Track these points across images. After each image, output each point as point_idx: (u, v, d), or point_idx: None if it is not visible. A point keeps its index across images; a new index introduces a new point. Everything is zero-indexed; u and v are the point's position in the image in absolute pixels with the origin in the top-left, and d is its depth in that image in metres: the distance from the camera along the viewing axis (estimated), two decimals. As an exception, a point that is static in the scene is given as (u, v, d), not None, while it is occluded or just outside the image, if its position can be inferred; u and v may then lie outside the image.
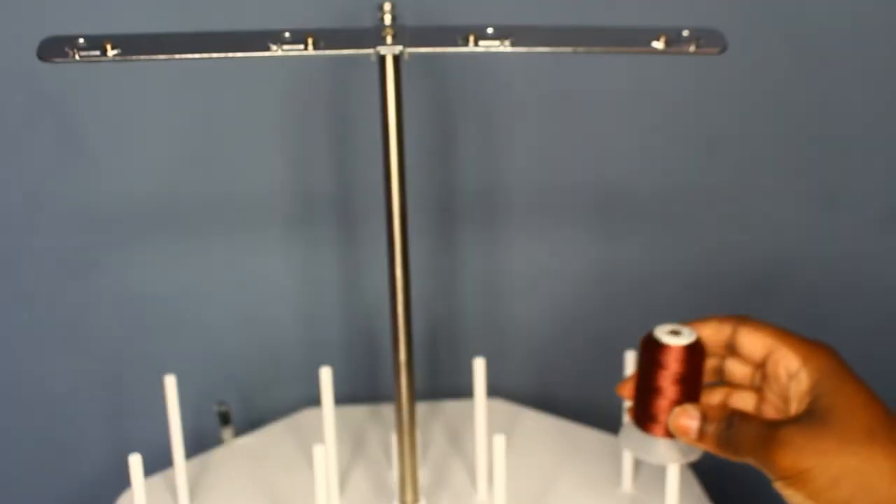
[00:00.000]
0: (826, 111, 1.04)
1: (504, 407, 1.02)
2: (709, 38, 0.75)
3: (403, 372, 0.85)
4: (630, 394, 0.79)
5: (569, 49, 0.76)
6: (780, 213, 1.07)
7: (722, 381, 0.81)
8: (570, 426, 1.00)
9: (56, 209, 1.02)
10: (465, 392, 1.07)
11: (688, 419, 0.76)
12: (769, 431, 0.71)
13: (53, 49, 0.74)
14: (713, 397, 0.79)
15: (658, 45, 0.75)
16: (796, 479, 0.70)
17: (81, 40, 0.74)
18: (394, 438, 0.88)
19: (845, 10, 1.00)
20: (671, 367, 0.76)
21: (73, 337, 1.07)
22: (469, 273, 1.08)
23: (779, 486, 0.71)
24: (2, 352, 1.07)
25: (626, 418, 0.80)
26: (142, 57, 0.74)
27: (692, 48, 0.74)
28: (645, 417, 0.77)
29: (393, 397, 0.86)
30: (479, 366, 0.90)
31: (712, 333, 0.78)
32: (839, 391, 0.72)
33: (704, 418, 0.75)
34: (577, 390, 1.13)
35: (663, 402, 0.77)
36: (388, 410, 1.03)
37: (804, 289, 1.11)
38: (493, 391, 1.06)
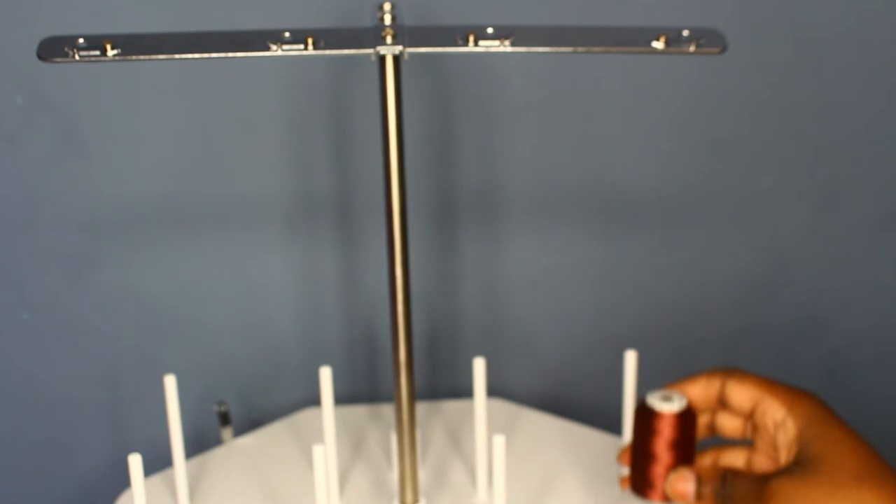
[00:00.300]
0: (826, 111, 1.04)
1: (504, 407, 1.02)
2: (709, 38, 0.75)
3: (403, 372, 0.85)
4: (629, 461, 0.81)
5: (569, 49, 0.76)
6: (780, 213, 1.07)
7: (715, 436, 0.83)
8: (570, 426, 1.00)
9: (56, 209, 1.02)
10: (465, 392, 1.07)
11: (684, 483, 0.78)
12: (761, 485, 0.74)
13: (53, 49, 0.74)
14: (704, 459, 0.82)
15: (658, 45, 0.75)
16: None
17: (81, 40, 0.74)
18: (394, 438, 0.88)
19: (845, 10, 1.00)
20: (665, 434, 0.79)
21: (72, 337, 1.07)
22: (469, 273, 1.08)
23: None
24: (2, 352, 1.07)
25: (623, 487, 0.82)
26: (141, 57, 0.74)
27: (692, 48, 0.74)
28: (642, 484, 0.80)
29: (393, 397, 0.86)
30: (479, 366, 0.90)
31: (703, 390, 0.80)
32: (825, 438, 0.75)
33: (699, 480, 0.78)
34: (576, 390, 1.13)
35: (659, 468, 0.79)
36: (388, 410, 1.03)
37: (804, 289, 1.11)
38: (493, 391, 1.06)
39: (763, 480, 0.74)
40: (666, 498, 0.80)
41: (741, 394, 0.79)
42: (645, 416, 0.80)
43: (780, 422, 0.77)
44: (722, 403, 0.81)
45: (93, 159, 1.01)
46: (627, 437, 0.92)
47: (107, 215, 1.03)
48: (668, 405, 0.79)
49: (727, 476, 0.77)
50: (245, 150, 1.02)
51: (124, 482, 0.89)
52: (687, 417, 0.79)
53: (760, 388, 0.79)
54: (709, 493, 0.77)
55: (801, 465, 0.74)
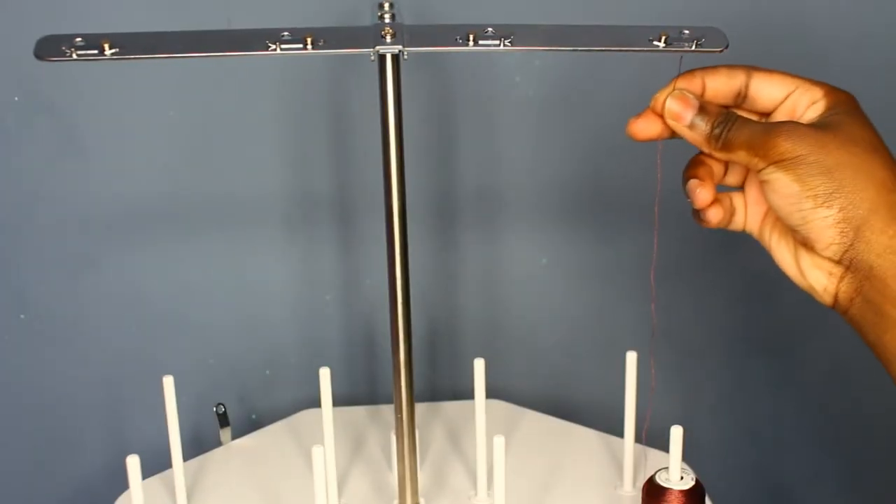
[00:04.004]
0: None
1: (504, 407, 1.02)
2: (709, 38, 0.75)
3: (403, 372, 0.84)
4: None
5: (569, 49, 0.76)
6: (780, 212, 1.07)
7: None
8: (570, 426, 1.00)
9: (54, 209, 1.02)
10: (465, 393, 1.07)
11: (683, 105, 0.74)
12: (771, 126, 0.71)
13: (51, 48, 0.73)
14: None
15: (658, 44, 0.75)
16: (789, 162, 0.70)
17: (79, 39, 0.73)
18: (393, 439, 0.88)
19: (846, 9, 1.00)
20: None
21: (71, 337, 1.07)
22: (469, 273, 1.08)
23: (767, 172, 0.71)
24: (1, 352, 1.07)
25: None
26: (140, 56, 0.74)
27: (693, 47, 0.74)
28: None
29: (392, 398, 0.85)
30: (479, 366, 0.90)
31: (723, 83, 0.76)
32: (851, 116, 0.72)
33: (702, 110, 0.74)
34: (576, 391, 1.13)
35: None
36: (387, 411, 1.02)
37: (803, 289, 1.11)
38: (493, 392, 1.05)
39: (775, 123, 0.71)
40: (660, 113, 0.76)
41: (773, 85, 0.75)
42: (654, 493, 0.80)
43: (816, 100, 0.73)
44: (741, 99, 0.76)
45: (91, 159, 1.01)
46: (628, 438, 0.91)
47: (105, 215, 1.03)
48: (677, 483, 0.79)
49: (732, 116, 0.73)
50: (244, 150, 1.02)
51: (123, 483, 0.89)
52: (696, 493, 0.79)
53: (795, 78, 0.75)
54: (705, 127, 0.73)
55: (819, 123, 0.71)
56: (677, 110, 0.74)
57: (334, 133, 1.02)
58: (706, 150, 0.74)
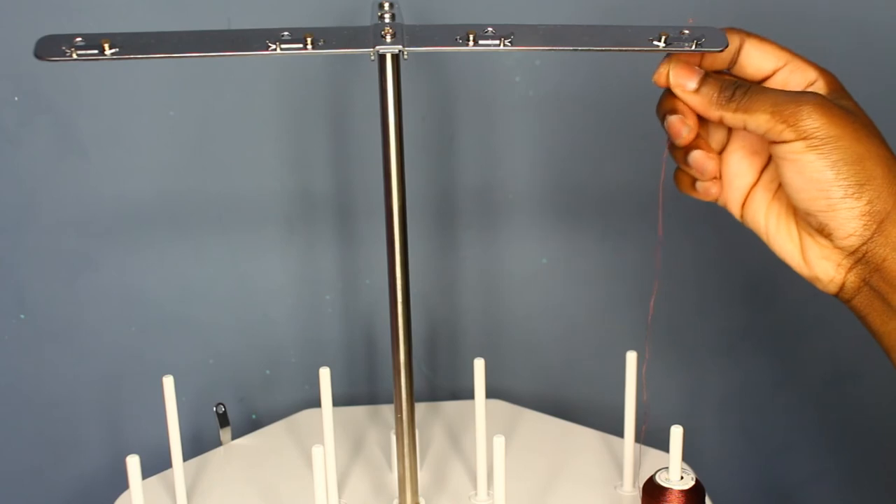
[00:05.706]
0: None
1: (504, 407, 1.02)
2: (709, 38, 0.75)
3: (403, 372, 0.84)
4: None
5: (569, 49, 0.76)
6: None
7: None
8: (570, 426, 1.00)
9: (53, 209, 1.02)
10: (465, 393, 1.07)
11: (689, 73, 0.72)
12: (797, 94, 0.68)
13: (51, 48, 0.73)
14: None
15: (658, 44, 0.75)
16: (822, 142, 0.67)
17: (79, 39, 0.73)
18: (393, 439, 0.88)
19: (846, 9, 1.00)
20: None
21: (70, 337, 1.07)
22: (469, 273, 1.08)
23: (794, 150, 0.67)
24: (1, 352, 1.07)
25: None
26: (140, 56, 0.74)
27: (692, 47, 0.74)
28: None
29: (392, 398, 0.85)
30: (479, 366, 0.90)
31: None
32: (853, 104, 0.71)
33: (711, 80, 0.71)
34: (576, 390, 1.13)
35: None
36: (387, 411, 1.02)
37: (804, 289, 1.11)
38: (493, 392, 1.05)
39: (802, 92, 0.68)
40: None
41: (765, 54, 0.72)
42: (653, 493, 0.80)
43: (812, 81, 0.71)
44: (731, 64, 0.73)
45: (91, 159, 1.01)
46: (628, 438, 0.91)
47: (105, 215, 1.03)
48: (677, 482, 0.79)
49: (743, 83, 0.70)
50: (244, 150, 1.02)
51: (123, 483, 0.89)
52: (696, 493, 0.79)
53: (786, 53, 0.72)
54: (714, 91, 0.70)
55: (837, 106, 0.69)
56: (683, 76, 0.72)
57: (334, 133, 1.02)
58: (713, 114, 0.71)
